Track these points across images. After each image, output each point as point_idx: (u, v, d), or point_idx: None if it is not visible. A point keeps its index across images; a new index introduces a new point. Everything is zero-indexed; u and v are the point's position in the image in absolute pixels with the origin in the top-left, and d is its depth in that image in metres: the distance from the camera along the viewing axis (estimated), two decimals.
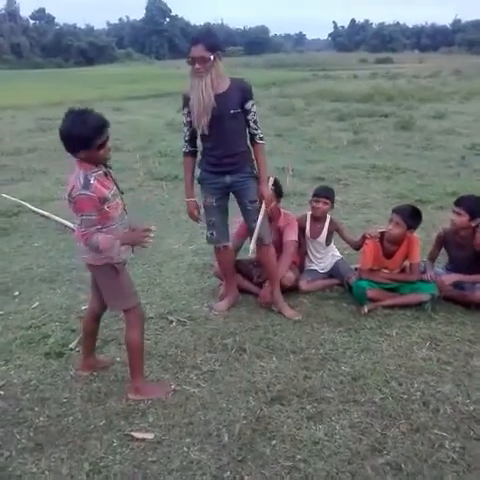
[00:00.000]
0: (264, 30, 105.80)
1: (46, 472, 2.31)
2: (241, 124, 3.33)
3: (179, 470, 2.32)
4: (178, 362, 3.13)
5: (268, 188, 3.45)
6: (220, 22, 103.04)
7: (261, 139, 3.39)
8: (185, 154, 3.49)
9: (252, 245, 3.43)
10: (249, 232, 3.56)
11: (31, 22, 78.60)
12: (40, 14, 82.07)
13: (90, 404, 2.75)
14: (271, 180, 3.53)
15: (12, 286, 4.22)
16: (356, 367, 3.03)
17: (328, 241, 4.15)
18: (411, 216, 3.71)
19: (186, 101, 3.32)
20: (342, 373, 2.98)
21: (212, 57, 3.10)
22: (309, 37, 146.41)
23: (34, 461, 2.37)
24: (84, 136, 2.40)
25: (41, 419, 2.66)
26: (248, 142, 3.43)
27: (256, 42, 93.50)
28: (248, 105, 3.29)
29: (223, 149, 3.33)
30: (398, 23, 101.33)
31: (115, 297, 2.73)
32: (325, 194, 4.07)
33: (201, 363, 3.11)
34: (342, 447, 2.43)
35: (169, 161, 8.86)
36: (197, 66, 3.12)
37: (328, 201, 4.05)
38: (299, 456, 2.38)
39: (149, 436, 2.52)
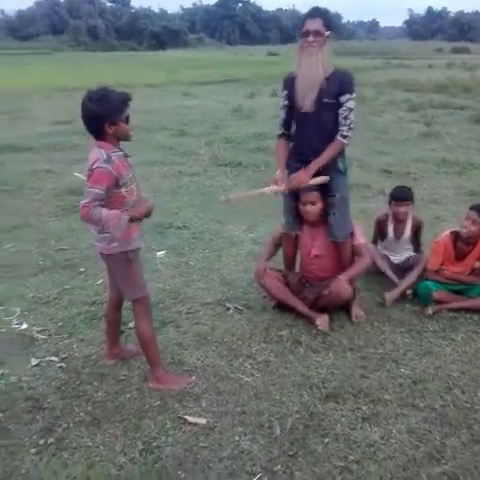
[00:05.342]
0: (337, 17, 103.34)
1: (100, 447, 2.38)
2: (333, 117, 3.17)
3: (229, 458, 2.32)
4: (233, 350, 3.13)
5: (307, 176, 3.16)
6: (292, 8, 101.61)
7: (343, 137, 3.16)
8: (279, 136, 3.42)
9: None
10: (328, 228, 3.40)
11: (108, 5, 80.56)
12: None
13: (146, 383, 2.80)
14: (321, 179, 3.23)
15: (79, 262, 4.36)
16: (417, 370, 2.92)
17: (412, 240, 4.00)
18: None
19: (286, 83, 3.27)
20: (401, 375, 2.88)
21: (327, 34, 3.07)
22: (383, 24, 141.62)
23: (90, 435, 2.45)
24: (109, 108, 2.41)
25: (99, 394, 2.73)
26: None
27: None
28: (343, 98, 3.13)
29: (310, 138, 3.21)
30: (477, 12, 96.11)
31: (125, 286, 2.72)
32: (406, 198, 3.91)
33: (256, 353, 3.09)
34: (398, 452, 2.36)
35: (234, 147, 8.85)
36: (311, 39, 3.04)
37: (409, 203, 3.90)
38: (352, 457, 2.33)
39: (202, 421, 2.54)
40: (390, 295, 3.64)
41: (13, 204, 5.91)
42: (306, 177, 3.19)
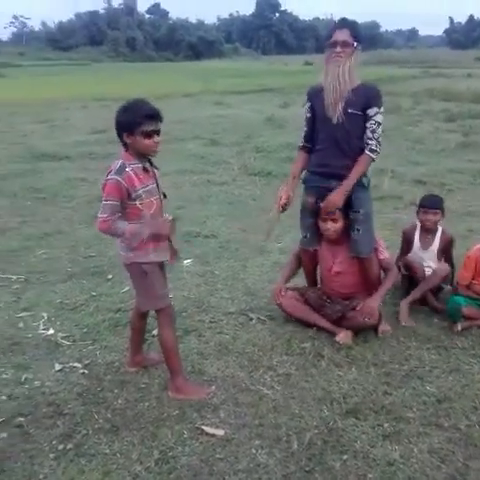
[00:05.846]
0: (375, 25, 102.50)
1: (117, 454, 2.38)
2: (358, 129, 3.12)
3: (245, 471, 2.29)
4: (254, 361, 3.10)
5: (340, 198, 3.12)
6: (330, 17, 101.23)
7: (372, 152, 3.10)
8: (300, 148, 3.41)
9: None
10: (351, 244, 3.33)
11: (146, 16, 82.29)
12: (155, 9, 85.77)
13: (166, 392, 2.80)
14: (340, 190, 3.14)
15: (106, 269, 4.43)
16: (442, 388, 2.83)
17: (440, 254, 3.85)
18: None
19: (310, 95, 3.28)
20: (426, 393, 2.79)
21: (355, 44, 3.06)
22: (422, 33, 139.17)
23: (108, 442, 2.46)
24: (128, 119, 2.46)
25: (119, 401, 2.75)
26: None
27: (366, 38, 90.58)
28: (371, 111, 3.09)
29: (333, 149, 3.16)
30: None
31: (143, 297, 2.74)
32: (434, 206, 3.79)
33: (277, 365, 3.06)
34: (418, 472, 2.28)
35: (264, 157, 8.86)
36: (338, 49, 3.04)
37: (438, 211, 3.79)
38: (370, 475, 2.27)
39: (219, 432, 2.52)
40: (402, 316, 3.54)
41: (47, 211, 6.06)
42: (340, 199, 3.14)
